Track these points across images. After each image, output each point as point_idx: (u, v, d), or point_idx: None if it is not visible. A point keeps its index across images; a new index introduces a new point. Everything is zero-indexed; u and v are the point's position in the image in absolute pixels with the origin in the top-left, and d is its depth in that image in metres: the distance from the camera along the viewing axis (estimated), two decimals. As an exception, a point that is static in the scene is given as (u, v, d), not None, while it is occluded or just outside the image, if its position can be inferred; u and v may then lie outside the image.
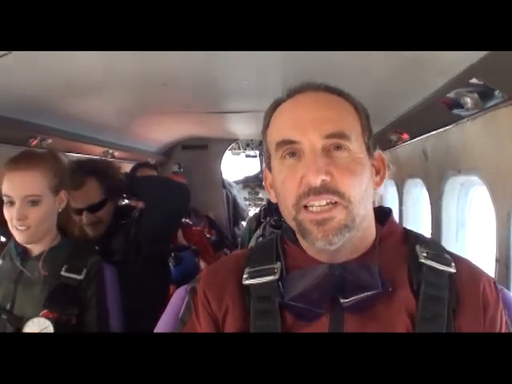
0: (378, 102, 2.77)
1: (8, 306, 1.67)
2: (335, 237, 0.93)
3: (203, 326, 1.02)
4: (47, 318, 1.63)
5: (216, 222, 5.30)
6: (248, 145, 6.51)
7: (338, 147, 0.94)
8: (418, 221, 3.17)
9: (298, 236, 1.03)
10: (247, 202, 6.81)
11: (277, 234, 1.12)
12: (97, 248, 1.99)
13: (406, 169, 3.05)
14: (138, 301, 1.98)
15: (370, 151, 1.00)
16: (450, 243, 2.45)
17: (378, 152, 1.03)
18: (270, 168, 1.04)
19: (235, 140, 5.91)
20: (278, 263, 1.02)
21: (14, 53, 1.49)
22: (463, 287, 0.97)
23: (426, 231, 2.67)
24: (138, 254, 2.26)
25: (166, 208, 2.28)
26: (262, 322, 0.97)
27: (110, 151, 3.42)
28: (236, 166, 7.20)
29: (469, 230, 2.45)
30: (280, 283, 0.98)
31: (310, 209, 0.93)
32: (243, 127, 4.99)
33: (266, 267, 1.02)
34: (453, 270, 0.98)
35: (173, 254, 3.52)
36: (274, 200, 1.05)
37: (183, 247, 3.87)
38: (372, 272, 0.93)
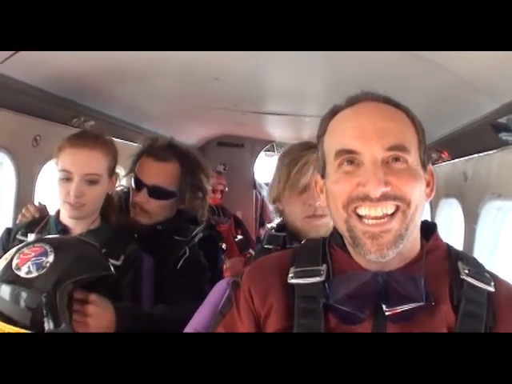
0: (427, 119, 2.76)
1: None
2: (390, 250, 0.94)
3: (244, 321, 1.04)
4: None
5: (243, 221, 5.32)
6: (283, 147, 6.51)
7: (397, 159, 0.95)
8: (448, 240, 3.13)
9: (347, 242, 1.03)
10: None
11: (324, 237, 1.13)
12: (136, 236, 1.90)
13: (442, 188, 3.02)
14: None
15: (424, 165, 1.01)
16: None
17: (429, 166, 1.04)
18: (322, 174, 1.05)
19: (271, 142, 5.95)
20: (324, 265, 1.04)
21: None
22: (500, 306, 0.98)
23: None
24: None
25: None
26: (307, 321, 0.98)
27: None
28: (268, 168, 7.21)
29: (500, 254, 2.42)
30: (326, 285, 1.00)
31: (366, 221, 0.94)
32: (280, 130, 5.00)
33: (312, 268, 1.04)
34: (492, 288, 0.99)
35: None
36: (323, 204, 1.06)
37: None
38: (417, 284, 0.95)
